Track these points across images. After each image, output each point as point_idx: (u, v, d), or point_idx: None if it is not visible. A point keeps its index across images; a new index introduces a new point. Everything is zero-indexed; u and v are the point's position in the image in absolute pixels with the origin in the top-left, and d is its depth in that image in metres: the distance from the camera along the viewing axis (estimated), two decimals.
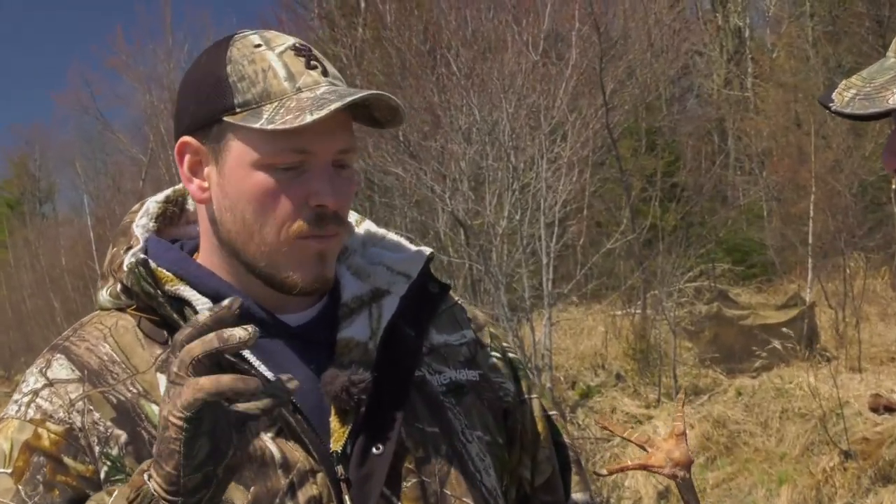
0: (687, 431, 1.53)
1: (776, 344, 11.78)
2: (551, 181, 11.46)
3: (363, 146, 13.08)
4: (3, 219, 50.83)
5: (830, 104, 1.29)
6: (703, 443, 11.04)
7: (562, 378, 13.39)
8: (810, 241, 14.11)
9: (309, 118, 1.33)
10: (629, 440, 1.56)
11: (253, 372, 1.37)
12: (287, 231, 1.40)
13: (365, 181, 14.34)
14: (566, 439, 1.71)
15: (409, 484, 1.43)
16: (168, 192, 1.61)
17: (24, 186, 52.67)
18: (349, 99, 1.36)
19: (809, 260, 14.12)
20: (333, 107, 1.34)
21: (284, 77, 1.40)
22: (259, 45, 1.43)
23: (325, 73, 1.44)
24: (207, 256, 1.50)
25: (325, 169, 1.41)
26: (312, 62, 1.43)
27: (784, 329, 11.95)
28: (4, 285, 41.22)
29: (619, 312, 14.62)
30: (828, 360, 12.05)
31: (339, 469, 1.39)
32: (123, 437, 1.36)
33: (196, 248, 1.54)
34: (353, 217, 1.60)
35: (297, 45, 1.45)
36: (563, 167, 11.55)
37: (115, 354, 1.43)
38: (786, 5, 21.72)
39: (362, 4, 17.30)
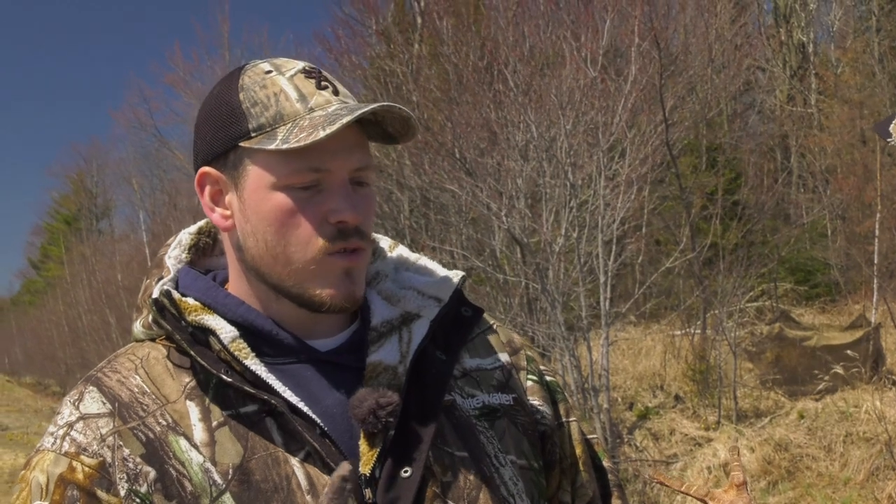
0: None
1: (839, 366, 11.56)
2: (609, 198, 11.33)
3: (419, 163, 13.08)
4: (60, 235, 51.98)
5: (889, 139, 1.23)
6: (764, 467, 10.84)
7: (619, 399, 13.28)
8: (876, 260, 13.83)
9: (322, 133, 1.35)
10: (688, 494, 1.55)
11: (275, 399, 1.39)
12: (311, 250, 1.42)
13: (420, 198, 14.36)
14: (607, 464, 1.71)
15: None
16: (201, 223, 1.64)
17: (82, 202, 53.83)
18: (359, 112, 1.38)
19: (875, 280, 13.83)
20: (345, 120, 1.36)
21: (296, 98, 1.43)
22: (270, 71, 1.46)
23: (335, 92, 1.46)
24: (236, 284, 1.52)
25: (342, 186, 1.43)
26: (323, 83, 1.46)
27: (848, 351, 11.73)
28: (61, 301, 42.05)
29: (679, 332, 14.49)
30: (894, 383, 11.80)
31: (368, 492, 1.39)
32: (152, 473, 1.37)
33: (228, 278, 1.57)
34: (386, 242, 1.67)
35: (306, 67, 1.48)
36: (621, 184, 11.42)
37: (145, 386, 1.45)
38: (851, 20, 21.44)
39: (419, 20, 17.37)
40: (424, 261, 1.66)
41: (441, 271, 1.63)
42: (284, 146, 1.37)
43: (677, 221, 15.21)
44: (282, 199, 1.41)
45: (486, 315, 1.67)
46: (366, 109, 1.38)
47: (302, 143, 1.36)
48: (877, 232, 13.82)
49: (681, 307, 14.51)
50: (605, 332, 11.29)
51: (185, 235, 1.62)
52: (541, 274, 11.23)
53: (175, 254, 1.58)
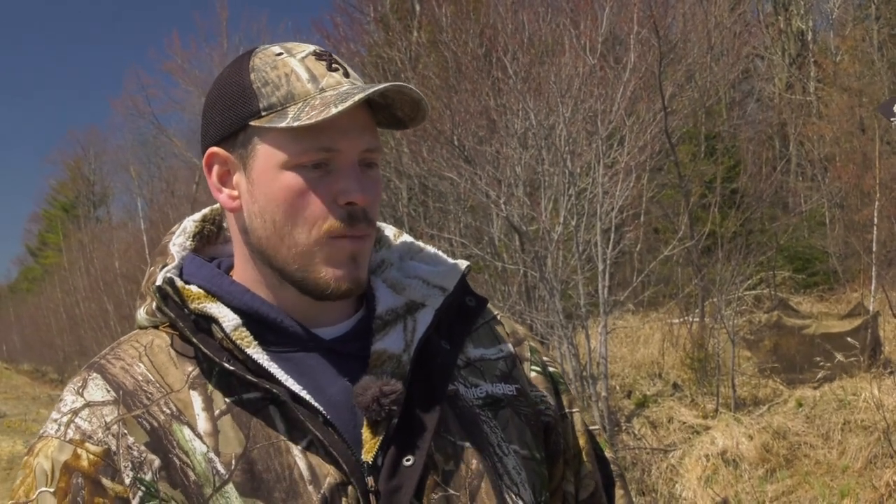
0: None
1: (839, 355, 11.55)
2: (608, 186, 11.30)
3: (418, 150, 13.05)
4: (58, 222, 51.99)
5: (893, 119, 1.21)
6: (762, 454, 10.84)
7: (618, 387, 13.27)
8: (874, 248, 13.82)
9: (334, 110, 1.35)
10: None
11: (276, 388, 1.39)
12: (318, 230, 1.42)
13: (419, 186, 14.33)
14: (609, 454, 1.73)
15: (436, 496, 1.43)
16: (205, 210, 1.65)
17: (79, 190, 53.85)
18: (371, 90, 1.38)
19: (873, 268, 13.82)
20: (357, 97, 1.36)
21: (307, 79, 1.43)
22: (280, 53, 1.47)
23: (346, 74, 1.47)
24: (242, 270, 1.52)
25: (352, 167, 1.43)
26: (334, 65, 1.47)
27: (849, 339, 11.72)
28: (59, 288, 42.06)
29: (677, 321, 14.49)
30: (892, 371, 11.78)
31: (370, 480, 1.40)
32: (157, 462, 1.37)
33: (233, 266, 1.56)
34: (390, 230, 1.68)
35: (317, 50, 1.48)
36: (620, 172, 11.38)
37: (149, 374, 1.44)
38: (850, 8, 21.41)
39: (418, 8, 17.31)
40: (430, 250, 1.67)
41: (446, 260, 1.64)
42: (295, 123, 1.37)
43: (676, 209, 15.18)
44: (291, 178, 1.41)
45: (490, 305, 1.67)
46: (378, 88, 1.38)
47: (314, 120, 1.35)
48: (875, 220, 13.80)
49: (679, 295, 14.51)
50: (603, 320, 11.28)
51: (190, 223, 1.62)
52: (539, 262, 11.21)
53: (179, 241, 1.58)
